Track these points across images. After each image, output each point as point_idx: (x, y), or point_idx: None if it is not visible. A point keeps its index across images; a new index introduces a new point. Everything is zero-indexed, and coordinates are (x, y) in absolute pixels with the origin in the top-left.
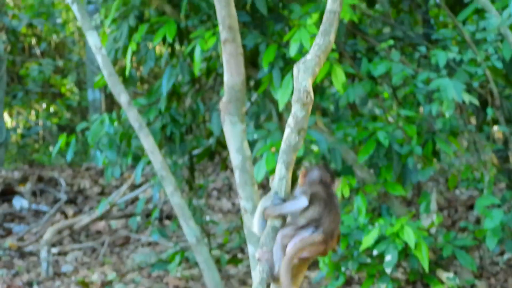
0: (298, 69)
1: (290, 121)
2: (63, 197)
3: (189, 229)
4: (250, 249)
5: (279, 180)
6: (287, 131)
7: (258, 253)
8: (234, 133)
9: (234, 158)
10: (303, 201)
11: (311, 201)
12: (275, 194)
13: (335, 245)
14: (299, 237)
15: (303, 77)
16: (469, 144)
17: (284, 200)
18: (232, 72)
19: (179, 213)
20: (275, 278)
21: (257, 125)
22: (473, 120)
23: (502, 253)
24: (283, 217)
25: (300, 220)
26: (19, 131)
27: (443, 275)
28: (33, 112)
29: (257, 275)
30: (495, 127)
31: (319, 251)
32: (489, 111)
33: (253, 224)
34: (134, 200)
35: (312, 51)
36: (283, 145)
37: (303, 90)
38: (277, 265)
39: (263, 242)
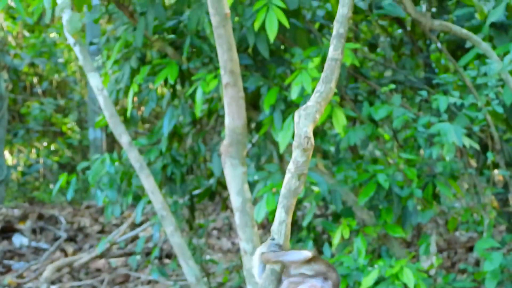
0: (299, 116)
1: (291, 166)
2: (63, 235)
3: (189, 269)
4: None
5: (278, 224)
6: (287, 176)
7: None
8: (234, 175)
9: (235, 201)
10: (305, 253)
11: (314, 259)
12: (271, 240)
13: None
14: (309, 284)
15: (304, 123)
16: (469, 187)
17: (281, 247)
18: (233, 116)
19: (179, 252)
20: None
21: (258, 167)
22: (474, 163)
23: None
24: (283, 264)
25: (307, 271)
26: (20, 168)
27: None
28: (34, 150)
29: None
30: (496, 171)
31: None
32: (489, 155)
33: (252, 267)
34: (134, 238)
35: (313, 98)
36: (283, 190)
37: (304, 136)
38: None
39: (263, 286)
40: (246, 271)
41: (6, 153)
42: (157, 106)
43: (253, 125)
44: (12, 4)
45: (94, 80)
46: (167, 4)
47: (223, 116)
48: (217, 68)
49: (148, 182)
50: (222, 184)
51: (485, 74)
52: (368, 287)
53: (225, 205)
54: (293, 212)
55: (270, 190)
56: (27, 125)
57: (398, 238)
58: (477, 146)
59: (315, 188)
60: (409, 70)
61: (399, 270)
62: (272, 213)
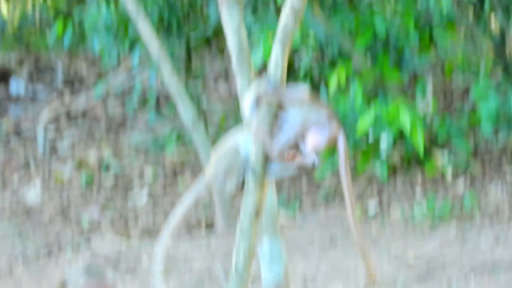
0: None
1: (287, 2)
2: (60, 81)
3: (186, 111)
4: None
5: (274, 67)
6: (283, 14)
7: (254, 130)
8: (231, 14)
9: (231, 40)
10: (303, 89)
11: (313, 99)
12: (268, 77)
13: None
14: (320, 133)
15: None
16: (466, 36)
17: (277, 87)
18: None
19: (176, 95)
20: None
21: (254, 9)
22: (470, 13)
23: (496, 139)
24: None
25: (307, 113)
26: (16, 23)
27: (438, 155)
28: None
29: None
30: (492, 19)
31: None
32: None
33: (244, 104)
34: (131, 83)
35: None
36: (278, 31)
37: None
38: (276, 147)
39: (257, 122)
40: (243, 114)
41: (2, 5)
42: None
43: None
44: None
45: None
46: None
47: None
48: None
49: (144, 26)
50: (219, 31)
51: None
52: (364, 129)
53: (222, 50)
54: (289, 58)
55: (266, 33)
56: None
57: (394, 84)
58: None
59: (312, 36)
60: None
61: (395, 112)
62: (268, 54)
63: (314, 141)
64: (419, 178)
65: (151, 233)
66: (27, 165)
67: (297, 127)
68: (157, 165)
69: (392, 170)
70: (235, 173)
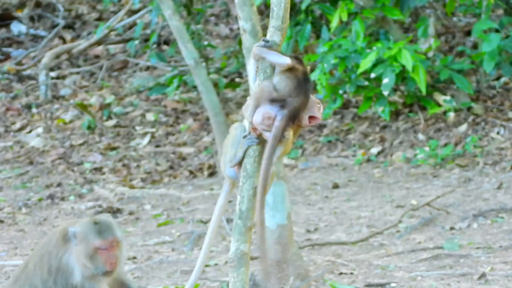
0: None
1: None
2: (61, 22)
3: (188, 52)
4: (248, 67)
5: (277, 3)
6: None
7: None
8: None
9: None
10: (286, 59)
11: (289, 75)
12: (263, 40)
13: (302, 125)
14: (263, 111)
15: None
16: None
17: (271, 47)
18: None
19: (178, 36)
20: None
21: None
22: None
23: (498, 78)
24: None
25: (272, 92)
26: None
27: (440, 98)
28: None
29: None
30: None
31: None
32: None
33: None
34: (132, 25)
35: None
36: None
37: None
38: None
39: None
40: (245, 50)
41: None
42: None
43: None
44: None
45: None
46: None
47: None
48: None
49: None
50: None
51: None
52: (366, 69)
53: None
54: None
55: None
56: None
57: (396, 22)
58: None
59: None
60: None
61: (397, 52)
62: None
63: (255, 116)
64: (421, 122)
65: (153, 178)
66: (29, 109)
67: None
68: (159, 108)
69: (395, 114)
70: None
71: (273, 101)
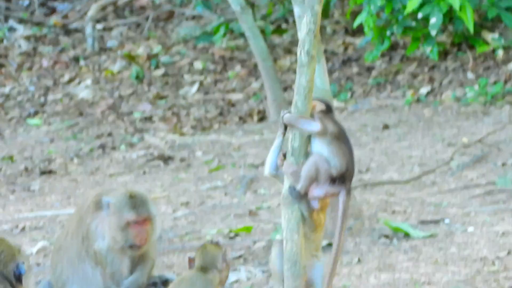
0: None
1: None
2: None
3: None
4: (296, 10)
5: None
6: None
7: (285, 165)
8: None
9: None
10: (315, 125)
11: (336, 144)
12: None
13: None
14: (327, 190)
15: None
16: None
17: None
18: None
19: None
20: (297, 195)
21: None
22: None
23: None
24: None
25: (331, 171)
26: None
27: (488, 36)
28: None
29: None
30: None
31: None
32: None
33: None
34: None
35: None
36: None
37: None
38: (301, 182)
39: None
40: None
41: None
42: None
43: None
44: None
45: None
46: None
47: None
48: None
49: None
50: None
51: None
52: (413, 9)
53: None
54: None
55: None
56: None
57: None
58: None
59: None
60: None
61: None
62: None
63: (316, 192)
64: (470, 61)
65: (203, 126)
66: (77, 62)
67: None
68: (206, 56)
69: (443, 54)
70: None
71: (333, 180)
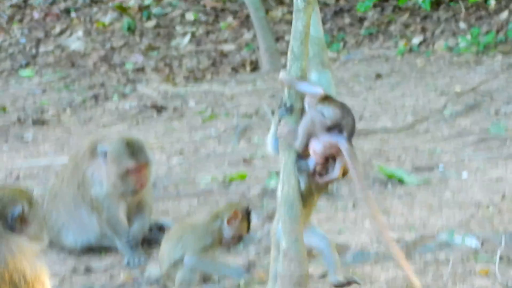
0: None
1: None
2: None
3: None
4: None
5: None
6: None
7: (279, 128)
8: None
9: None
10: (318, 89)
11: (327, 99)
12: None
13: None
14: (325, 140)
15: None
16: None
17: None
18: None
19: None
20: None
21: None
22: None
23: None
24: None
25: (323, 110)
26: None
27: None
28: None
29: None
30: None
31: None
32: None
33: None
34: None
35: None
36: None
37: None
38: (300, 140)
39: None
40: None
41: None
42: None
43: None
44: None
45: None
46: None
47: None
48: None
49: None
50: None
51: None
52: None
53: None
54: None
55: None
56: None
57: None
58: None
59: None
60: None
61: None
62: None
63: (315, 147)
64: (462, 10)
65: (196, 76)
66: (68, 14)
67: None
68: (198, 8)
69: (435, 4)
70: None
71: (329, 129)
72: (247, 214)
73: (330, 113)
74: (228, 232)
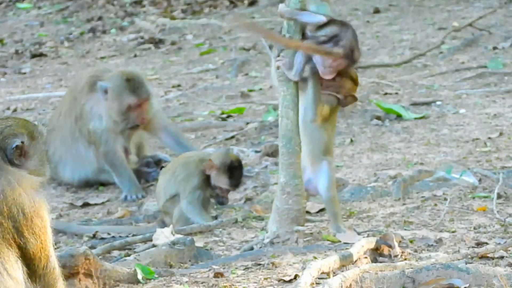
0: None
1: None
2: None
3: None
4: None
5: None
6: None
7: (278, 61)
8: None
9: None
10: (320, 17)
11: (328, 22)
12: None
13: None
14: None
15: None
16: None
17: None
18: None
19: None
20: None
21: None
22: None
23: None
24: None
25: (320, 36)
26: None
27: None
28: None
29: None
30: None
31: (341, 66)
32: None
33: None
34: None
35: None
36: None
37: None
38: (295, 68)
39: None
40: None
41: None
42: None
43: None
44: None
45: None
46: None
47: None
48: None
49: None
50: None
51: None
52: None
53: None
54: None
55: None
56: None
57: None
58: None
59: None
60: None
61: None
62: None
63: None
64: None
65: (194, 9)
66: None
67: None
68: None
69: None
70: None
71: (324, 42)
72: (229, 169)
73: (327, 32)
74: (212, 180)
